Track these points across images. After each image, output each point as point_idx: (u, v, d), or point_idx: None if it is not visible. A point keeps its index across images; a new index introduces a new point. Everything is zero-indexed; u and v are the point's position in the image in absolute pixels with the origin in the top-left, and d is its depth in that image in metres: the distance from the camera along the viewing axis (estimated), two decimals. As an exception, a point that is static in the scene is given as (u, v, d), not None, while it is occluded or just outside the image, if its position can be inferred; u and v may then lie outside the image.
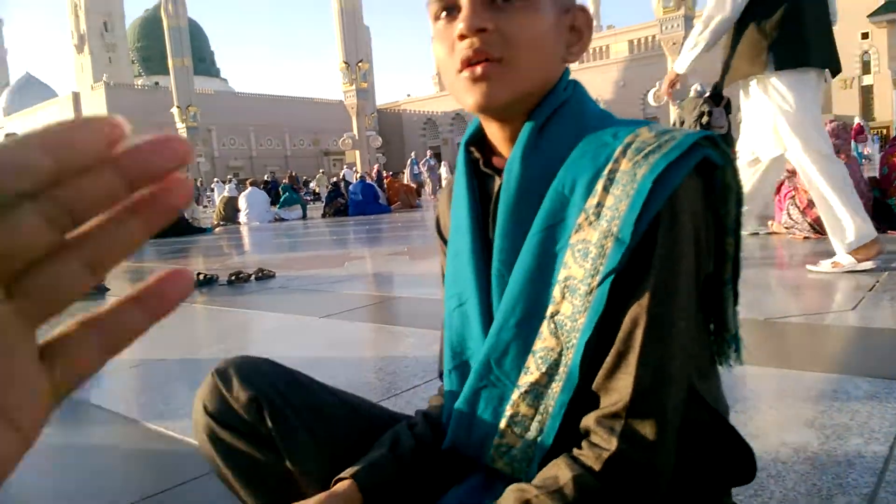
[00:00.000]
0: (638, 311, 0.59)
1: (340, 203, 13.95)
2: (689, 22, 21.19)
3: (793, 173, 4.84)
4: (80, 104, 55.39)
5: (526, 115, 0.69)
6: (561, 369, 0.62)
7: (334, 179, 17.86)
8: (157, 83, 56.64)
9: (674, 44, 21.16)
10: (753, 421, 1.49)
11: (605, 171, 0.61)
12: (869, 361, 1.95)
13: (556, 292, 0.63)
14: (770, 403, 1.60)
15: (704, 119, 9.67)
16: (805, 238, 4.56)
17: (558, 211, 0.64)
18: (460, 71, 0.65)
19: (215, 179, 31.03)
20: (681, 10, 20.89)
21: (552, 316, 0.63)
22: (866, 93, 37.95)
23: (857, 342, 2.17)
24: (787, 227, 4.75)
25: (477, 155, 0.74)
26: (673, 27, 21.15)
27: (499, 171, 0.71)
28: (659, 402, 0.59)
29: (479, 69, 0.64)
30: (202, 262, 6.66)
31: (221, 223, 13.65)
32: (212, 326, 3.46)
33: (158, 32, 44.41)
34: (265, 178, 23.30)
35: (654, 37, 37.94)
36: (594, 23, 0.74)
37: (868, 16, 35.57)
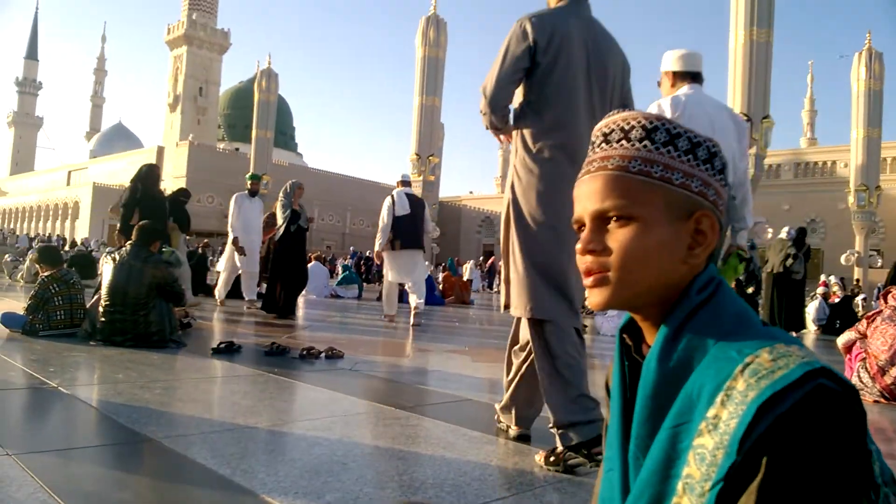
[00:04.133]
0: None
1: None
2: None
3: (863, 336, 4.86)
4: (164, 157, 58.59)
5: (659, 309, 0.80)
6: None
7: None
8: (237, 149, 59.64)
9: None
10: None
11: (725, 387, 0.68)
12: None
13: (679, 486, 0.69)
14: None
15: (789, 262, 10.01)
16: (875, 402, 4.52)
17: (685, 412, 0.71)
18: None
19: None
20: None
21: None
22: None
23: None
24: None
25: (629, 342, 0.87)
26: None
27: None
28: None
29: (590, 279, 0.82)
30: (267, 329, 6.89)
31: (281, 292, 14.01)
32: (295, 400, 3.62)
33: (247, 102, 47.25)
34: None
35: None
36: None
37: None
